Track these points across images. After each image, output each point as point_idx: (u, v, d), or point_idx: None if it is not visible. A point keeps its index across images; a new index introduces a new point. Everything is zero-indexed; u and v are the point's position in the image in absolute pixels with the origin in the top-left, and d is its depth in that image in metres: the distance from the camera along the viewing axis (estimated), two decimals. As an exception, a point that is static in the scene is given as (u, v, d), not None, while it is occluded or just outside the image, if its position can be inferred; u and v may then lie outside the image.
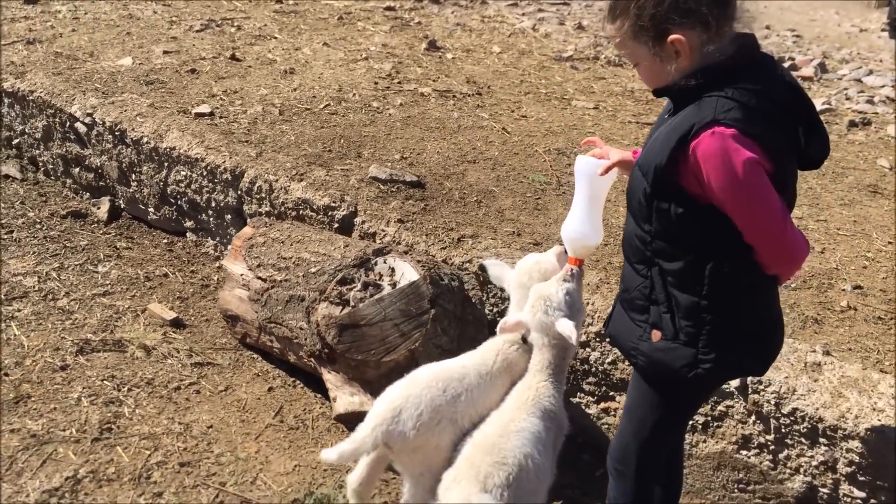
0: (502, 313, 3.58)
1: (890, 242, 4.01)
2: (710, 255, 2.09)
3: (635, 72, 2.32)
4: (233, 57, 5.93)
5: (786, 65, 7.22)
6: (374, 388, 3.16)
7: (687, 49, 2.00)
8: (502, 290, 3.40)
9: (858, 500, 2.83)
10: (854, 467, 2.80)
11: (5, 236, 4.52)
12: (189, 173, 4.50)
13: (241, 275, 3.64)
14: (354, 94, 5.40)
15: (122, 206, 4.99)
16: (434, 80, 5.90)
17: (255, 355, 3.76)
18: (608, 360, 3.28)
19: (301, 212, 4.07)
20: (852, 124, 5.85)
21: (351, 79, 5.70)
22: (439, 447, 2.60)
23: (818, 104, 6.17)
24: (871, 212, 4.35)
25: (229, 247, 4.00)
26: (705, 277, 2.10)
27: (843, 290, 3.55)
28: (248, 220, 3.92)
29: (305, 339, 3.29)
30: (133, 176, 4.82)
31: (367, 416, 2.63)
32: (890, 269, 3.74)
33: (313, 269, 3.37)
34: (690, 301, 2.13)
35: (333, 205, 3.97)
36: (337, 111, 5.13)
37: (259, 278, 3.55)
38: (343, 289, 3.19)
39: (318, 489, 3.02)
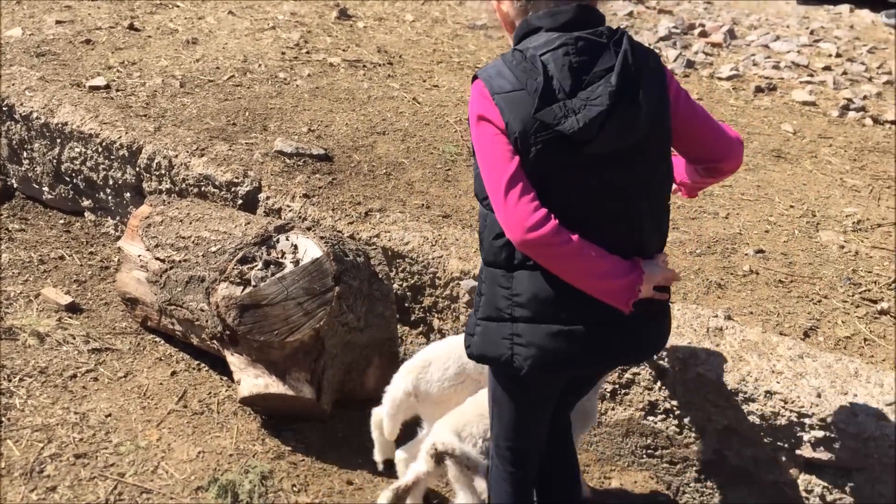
0: (412, 288, 3.53)
1: (792, 206, 4.09)
2: (488, 219, 2.08)
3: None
4: (131, 27, 5.66)
5: (696, 31, 7.29)
6: (279, 368, 3.08)
7: (502, 13, 2.13)
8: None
9: (761, 461, 2.89)
10: (755, 429, 2.85)
11: None
12: (83, 150, 4.29)
13: (139, 256, 3.49)
14: (260, 65, 5.22)
15: (15, 185, 4.73)
16: (344, 50, 5.76)
17: (158, 339, 3.62)
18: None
19: (203, 188, 3.92)
20: (758, 90, 5.95)
21: (257, 49, 5.52)
22: (460, 404, 2.73)
23: (726, 70, 6.26)
24: (775, 176, 4.44)
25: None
26: (482, 243, 2.11)
27: (746, 254, 3.61)
28: (146, 198, 3.76)
29: (206, 321, 3.18)
30: (24, 154, 4.57)
31: (403, 365, 2.88)
32: (791, 232, 3.82)
33: (213, 249, 3.25)
34: (481, 268, 2.16)
35: (236, 180, 3.84)
36: (242, 83, 4.96)
37: (157, 259, 3.41)
38: (244, 268, 3.08)
39: (222, 475, 2.93)
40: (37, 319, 3.59)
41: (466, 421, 2.59)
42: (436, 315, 3.53)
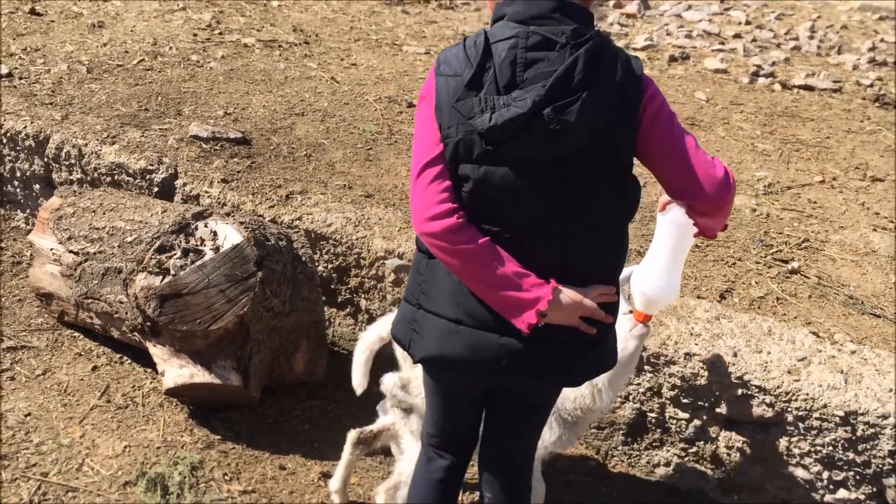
0: (337, 269, 3.51)
1: (706, 172, 4.19)
2: None
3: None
4: (32, 11, 5.43)
5: (611, 2, 7.38)
6: (204, 357, 3.03)
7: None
8: None
9: (683, 421, 2.98)
10: (677, 391, 2.94)
11: None
12: (-13, 142, 4.12)
13: (51, 249, 3.38)
14: (171, 48, 5.08)
15: (-85, 181, 4.51)
16: (258, 30, 5.64)
17: (77, 334, 3.52)
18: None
19: (116, 177, 3.80)
20: (672, 59, 6.07)
21: (167, 31, 5.36)
22: None
23: (640, 41, 6.37)
24: (690, 144, 4.54)
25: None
26: None
27: (664, 221, 3.69)
28: (56, 189, 3.63)
29: (126, 314, 3.10)
30: (-77, 148, 4.36)
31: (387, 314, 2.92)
32: (706, 198, 3.92)
33: (129, 239, 3.17)
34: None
35: (151, 168, 3.74)
36: (153, 66, 4.81)
37: (71, 252, 3.30)
38: (162, 257, 3.01)
39: (151, 469, 2.88)
40: (-54, 320, 3.45)
41: (419, 373, 2.61)
42: (363, 295, 3.52)
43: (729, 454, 2.93)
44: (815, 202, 3.98)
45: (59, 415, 3.09)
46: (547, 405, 2.24)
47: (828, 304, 3.20)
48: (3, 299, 3.71)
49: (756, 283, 3.30)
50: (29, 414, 3.07)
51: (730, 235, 3.61)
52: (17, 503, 2.70)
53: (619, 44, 6.37)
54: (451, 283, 1.95)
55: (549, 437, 2.64)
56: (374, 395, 2.82)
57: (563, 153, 1.79)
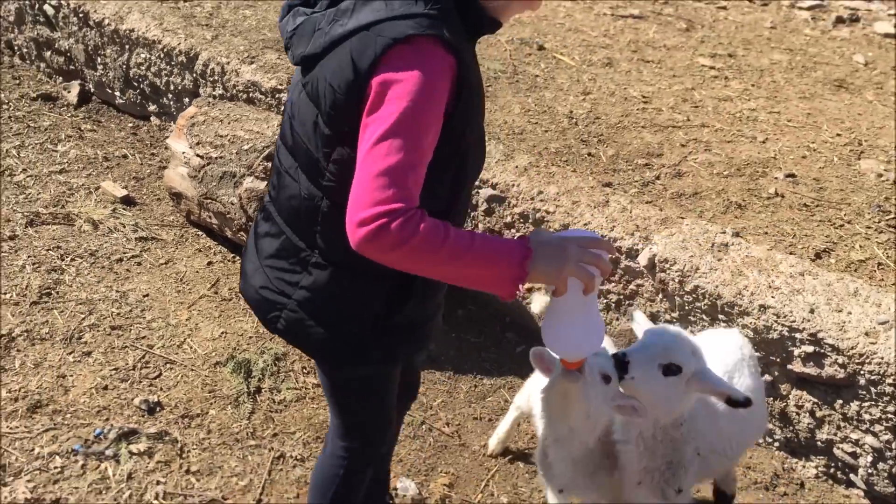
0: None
1: (839, 134, 3.96)
2: None
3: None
4: (207, -57, 5.86)
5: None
6: (298, 261, 3.26)
7: None
8: None
9: (755, 377, 2.90)
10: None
11: (-26, 117, 4.64)
12: (148, 56, 4.54)
13: (183, 153, 3.72)
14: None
15: (92, 89, 5.05)
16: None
17: (200, 232, 3.87)
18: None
19: (251, 94, 4.10)
20: (839, 20, 5.69)
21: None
22: None
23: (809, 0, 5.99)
24: (830, 105, 4.29)
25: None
26: None
27: (776, 178, 3.55)
28: (194, 100, 3.98)
29: (234, 214, 3.39)
30: (98, 59, 4.86)
31: None
32: (829, 159, 3.71)
33: (246, 147, 3.44)
34: None
35: (280, 87, 4.00)
36: (303, -2, 5.09)
37: (198, 155, 3.63)
38: (269, 164, 3.25)
39: (240, 354, 3.17)
40: (93, 208, 3.90)
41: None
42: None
43: (798, 413, 2.83)
44: (955, 174, 3.67)
45: (172, 299, 3.44)
46: (328, 384, 1.94)
47: (936, 275, 2.99)
48: (144, 197, 4.13)
49: (860, 246, 3.12)
50: (147, 295, 3.44)
51: (845, 198, 3.42)
52: (123, 366, 3.06)
53: (784, 2, 6.02)
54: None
55: None
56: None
57: (298, 66, 1.64)
